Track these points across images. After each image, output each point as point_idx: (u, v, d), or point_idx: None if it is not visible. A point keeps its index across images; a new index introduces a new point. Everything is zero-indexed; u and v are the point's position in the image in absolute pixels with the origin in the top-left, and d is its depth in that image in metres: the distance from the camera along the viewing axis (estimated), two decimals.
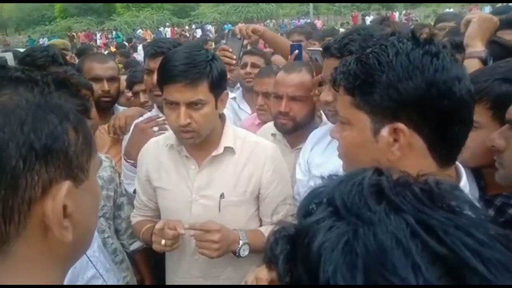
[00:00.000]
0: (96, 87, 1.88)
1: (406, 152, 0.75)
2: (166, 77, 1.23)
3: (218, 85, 1.26)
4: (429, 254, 0.30)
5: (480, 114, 1.02)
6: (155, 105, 1.86)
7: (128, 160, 1.68)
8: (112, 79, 1.95)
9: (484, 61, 1.31)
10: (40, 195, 0.48)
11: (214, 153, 1.33)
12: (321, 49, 1.43)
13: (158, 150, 1.42)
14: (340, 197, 0.34)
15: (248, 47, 2.69)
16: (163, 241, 1.26)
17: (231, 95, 2.19)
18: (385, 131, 0.76)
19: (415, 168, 0.75)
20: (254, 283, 1.11)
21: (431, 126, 0.74)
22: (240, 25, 1.95)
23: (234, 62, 1.77)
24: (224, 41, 1.52)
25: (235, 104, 2.46)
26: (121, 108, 2.11)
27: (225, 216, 1.31)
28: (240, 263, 1.34)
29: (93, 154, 0.57)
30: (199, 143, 1.31)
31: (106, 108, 1.95)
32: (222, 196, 1.32)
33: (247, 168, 1.34)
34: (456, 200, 0.34)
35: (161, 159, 1.41)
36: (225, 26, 22.61)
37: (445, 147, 0.77)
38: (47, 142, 0.48)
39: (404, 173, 0.37)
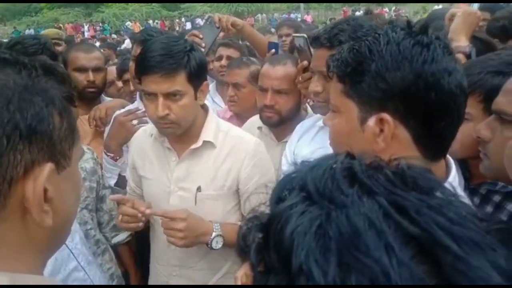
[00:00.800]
0: (81, 77, 1.85)
1: (390, 143, 0.74)
2: (143, 67, 1.23)
3: (197, 76, 1.25)
4: (402, 234, 0.30)
5: (472, 106, 1.02)
6: (137, 96, 1.84)
7: (108, 154, 1.65)
8: (98, 69, 1.92)
9: (468, 56, 1.32)
10: (22, 175, 0.48)
11: (192, 146, 1.32)
12: (304, 35, 1.43)
13: (144, 139, 1.43)
14: (313, 182, 0.34)
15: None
16: (120, 217, 1.29)
17: None
18: (371, 121, 0.75)
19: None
20: (244, 279, 1.10)
21: (417, 118, 0.73)
22: (220, 15, 1.91)
23: (202, 50, 1.76)
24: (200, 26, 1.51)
25: (208, 97, 2.44)
26: (108, 99, 2.08)
27: (201, 209, 1.31)
28: (215, 256, 1.34)
29: (76, 142, 0.57)
30: (180, 135, 1.30)
31: (91, 99, 1.92)
32: (199, 189, 1.32)
33: (227, 162, 1.33)
34: (428, 182, 0.34)
35: (146, 148, 1.41)
36: None
37: (431, 140, 0.76)
38: (32, 122, 0.48)
39: (377, 157, 0.37)
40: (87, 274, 1.17)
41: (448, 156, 0.82)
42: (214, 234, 1.27)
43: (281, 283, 0.31)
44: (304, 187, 0.35)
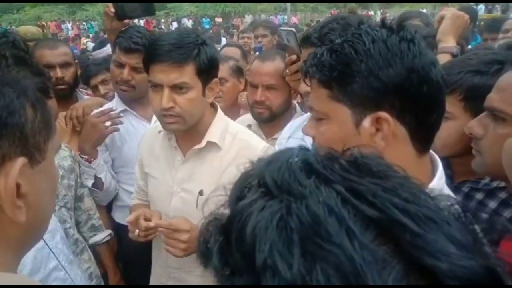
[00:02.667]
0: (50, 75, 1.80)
1: (390, 142, 0.74)
2: (152, 56, 1.20)
3: (207, 71, 1.22)
4: (361, 218, 0.30)
5: (453, 105, 1.04)
6: (116, 96, 1.80)
7: (82, 156, 1.61)
8: (66, 64, 1.84)
9: (455, 56, 1.37)
10: None
11: (196, 146, 1.28)
12: (293, 29, 1.43)
13: (154, 136, 1.39)
14: (270, 177, 0.34)
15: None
16: (136, 231, 1.24)
17: None
18: (367, 122, 0.74)
19: (398, 157, 0.74)
20: None
21: (412, 113, 0.74)
22: None
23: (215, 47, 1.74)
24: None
25: None
26: (86, 97, 2.03)
27: (202, 213, 1.26)
28: None
29: (52, 136, 0.55)
30: (187, 133, 1.27)
31: (64, 96, 1.83)
32: (200, 192, 1.28)
33: (231, 167, 1.27)
34: (380, 167, 0.35)
35: (154, 145, 1.38)
36: (203, 19, 22.36)
37: (424, 134, 0.77)
38: (2, 114, 0.47)
39: (330, 149, 0.38)
40: (68, 274, 1.15)
41: (431, 151, 0.83)
42: None
43: (246, 283, 0.31)
44: (262, 183, 0.35)
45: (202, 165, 1.30)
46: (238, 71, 2.07)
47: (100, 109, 1.72)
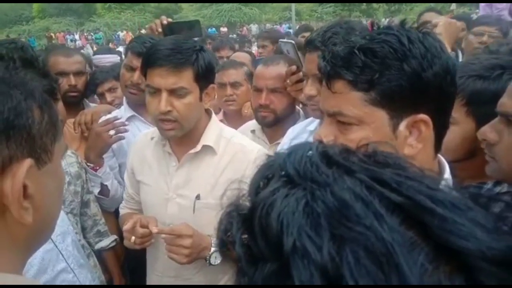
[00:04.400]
0: (63, 82, 1.82)
1: (425, 144, 0.73)
2: (150, 60, 1.20)
3: (204, 77, 1.23)
4: (387, 204, 0.30)
5: (456, 110, 1.02)
6: (124, 103, 1.81)
7: (88, 164, 1.62)
8: (79, 73, 1.89)
9: None
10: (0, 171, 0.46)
11: (192, 151, 1.28)
12: (292, 41, 1.44)
13: (145, 143, 1.39)
14: (292, 166, 0.34)
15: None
16: (133, 238, 1.23)
17: None
18: (403, 126, 0.71)
19: (426, 159, 0.77)
20: None
21: (441, 115, 0.73)
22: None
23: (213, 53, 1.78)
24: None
25: None
26: (92, 105, 2.06)
27: (199, 218, 1.25)
28: (213, 269, 1.28)
29: (59, 137, 0.55)
30: (182, 138, 1.27)
31: (74, 104, 1.88)
32: (197, 197, 1.27)
33: (228, 171, 1.27)
34: (397, 160, 0.35)
35: (146, 152, 1.37)
36: (209, 29, 22.57)
37: (443, 135, 0.77)
38: (9, 116, 0.47)
39: (344, 144, 0.38)
40: (76, 277, 1.15)
41: (438, 154, 0.82)
42: (212, 249, 1.22)
43: (270, 270, 0.31)
44: (283, 173, 0.35)
45: (198, 170, 1.29)
46: (252, 76, 2.08)
47: (105, 117, 1.73)
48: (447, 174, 0.80)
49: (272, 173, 0.36)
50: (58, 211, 0.60)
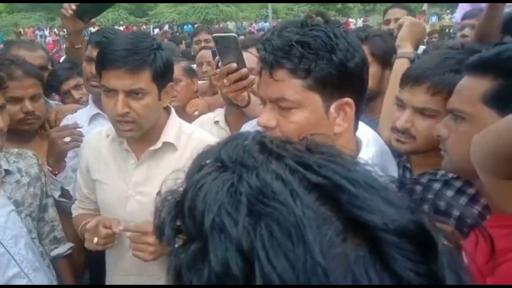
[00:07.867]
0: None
1: (349, 124, 0.88)
2: (105, 61, 1.16)
3: (162, 76, 1.20)
4: (306, 184, 0.32)
5: (439, 104, 1.11)
6: (90, 100, 1.76)
7: (48, 167, 1.56)
8: (41, 68, 1.83)
9: (412, 61, 1.44)
10: None
11: (152, 148, 1.26)
12: (234, 34, 1.29)
13: (100, 141, 1.35)
14: (226, 153, 0.36)
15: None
16: (95, 239, 1.20)
17: None
18: (333, 108, 0.86)
19: (349, 137, 0.93)
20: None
21: (360, 99, 0.89)
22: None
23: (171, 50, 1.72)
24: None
25: None
26: (53, 102, 1.99)
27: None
28: None
29: None
30: (140, 136, 1.24)
31: None
32: (159, 193, 1.23)
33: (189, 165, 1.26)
34: (330, 149, 0.37)
35: (102, 150, 1.33)
36: (185, 26, 22.31)
37: (358, 118, 0.92)
38: None
39: (286, 137, 0.40)
40: (31, 282, 1.09)
41: (356, 134, 0.95)
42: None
43: (196, 248, 0.32)
44: (218, 159, 0.36)
45: (159, 167, 1.27)
46: (191, 71, 2.14)
47: (66, 120, 1.67)
48: (362, 152, 0.91)
49: (207, 160, 0.37)
50: None
